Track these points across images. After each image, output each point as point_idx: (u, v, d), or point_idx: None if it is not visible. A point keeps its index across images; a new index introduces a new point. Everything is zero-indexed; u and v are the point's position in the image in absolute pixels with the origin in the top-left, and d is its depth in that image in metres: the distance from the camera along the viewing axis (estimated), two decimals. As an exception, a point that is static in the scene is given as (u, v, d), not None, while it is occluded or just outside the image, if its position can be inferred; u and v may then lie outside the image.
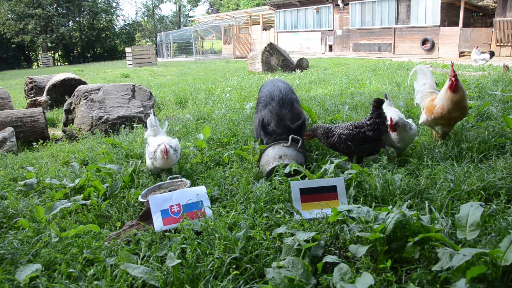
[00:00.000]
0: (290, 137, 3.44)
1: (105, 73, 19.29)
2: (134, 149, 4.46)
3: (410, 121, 3.51)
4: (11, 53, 40.95)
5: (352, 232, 2.25)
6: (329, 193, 2.69)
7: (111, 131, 6.06)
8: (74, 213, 2.99)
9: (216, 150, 4.24)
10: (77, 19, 43.78)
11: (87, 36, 43.39)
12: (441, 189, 2.68)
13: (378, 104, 3.54)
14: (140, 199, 3.01)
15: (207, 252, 2.16)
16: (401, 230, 2.16)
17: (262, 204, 2.71)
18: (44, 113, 6.41)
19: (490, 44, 16.59)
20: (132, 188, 3.30)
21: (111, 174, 3.55)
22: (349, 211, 2.27)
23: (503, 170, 2.87)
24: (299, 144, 3.43)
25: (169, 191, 3.06)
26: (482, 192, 2.64)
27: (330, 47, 23.82)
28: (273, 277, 1.90)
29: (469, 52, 12.28)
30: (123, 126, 6.04)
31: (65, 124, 6.63)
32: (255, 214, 2.61)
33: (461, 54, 17.53)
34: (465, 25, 17.92)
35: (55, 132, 7.09)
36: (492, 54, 12.16)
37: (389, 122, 3.35)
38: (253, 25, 30.41)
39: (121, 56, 43.14)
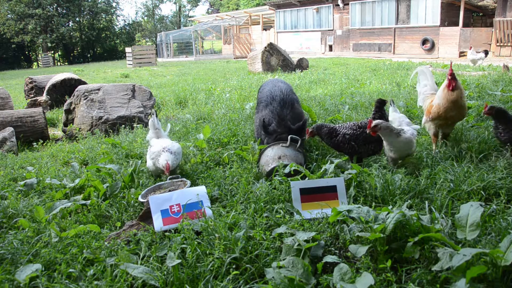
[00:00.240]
0: (289, 137, 3.44)
1: (105, 73, 19.29)
2: (134, 149, 4.46)
3: (409, 128, 3.27)
4: (11, 53, 40.95)
5: (352, 232, 2.25)
6: (329, 193, 2.69)
7: (111, 131, 6.07)
8: (74, 213, 2.99)
9: (216, 150, 4.24)
10: (77, 19, 43.77)
11: (87, 36, 43.39)
12: (441, 189, 2.68)
13: (380, 104, 3.54)
14: (140, 199, 3.01)
15: (207, 252, 2.16)
16: (401, 230, 2.16)
17: (262, 204, 2.71)
18: (44, 113, 6.41)
19: (490, 44, 16.59)
20: (132, 188, 3.30)
21: (111, 174, 3.55)
22: (349, 211, 2.27)
23: (503, 170, 2.87)
24: (298, 144, 3.42)
25: (169, 191, 3.06)
26: (482, 192, 2.64)
27: (330, 47, 23.82)
28: (273, 277, 1.90)
29: (478, 52, 12.26)
30: (123, 126, 6.04)
31: (65, 124, 6.63)
32: (255, 214, 2.61)
33: (461, 54, 17.52)
34: (465, 25, 17.92)
35: (55, 132, 7.09)
36: (486, 52, 12.25)
37: (368, 123, 3.14)
38: (253, 25, 30.41)
39: (121, 56, 43.14)
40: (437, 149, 3.57)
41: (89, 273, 2.06)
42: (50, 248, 2.34)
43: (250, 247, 2.19)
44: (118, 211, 2.97)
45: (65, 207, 2.99)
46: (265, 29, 29.28)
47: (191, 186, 3.18)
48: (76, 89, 6.81)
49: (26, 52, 44.24)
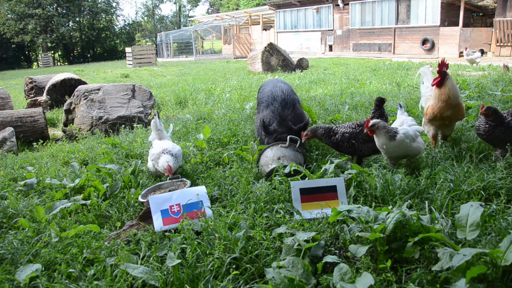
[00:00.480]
0: (288, 137, 3.43)
1: (105, 73, 19.29)
2: (134, 149, 4.46)
3: (405, 128, 3.18)
4: (11, 53, 40.94)
5: (352, 232, 2.25)
6: (329, 193, 2.69)
7: (111, 131, 6.07)
8: (74, 213, 2.99)
9: (216, 150, 4.24)
10: (77, 19, 43.77)
11: (87, 36, 43.38)
12: (441, 189, 2.68)
13: (380, 102, 3.54)
14: (140, 199, 3.01)
15: (207, 252, 2.16)
16: (401, 230, 2.16)
17: (262, 204, 2.71)
18: (44, 113, 6.41)
19: (490, 44, 16.60)
20: (132, 188, 3.30)
21: (111, 174, 3.55)
22: (349, 211, 2.27)
23: (503, 170, 2.87)
24: (298, 144, 3.42)
25: (169, 191, 3.06)
26: (482, 192, 2.64)
27: (330, 47, 23.82)
28: (273, 277, 1.90)
29: (474, 52, 12.32)
30: (123, 126, 6.04)
31: (65, 124, 6.63)
32: (255, 214, 2.61)
33: (461, 54, 17.49)
34: (465, 25, 17.92)
35: (55, 132, 7.09)
36: (482, 51, 12.37)
37: (365, 123, 3.12)
38: (253, 25, 30.41)
39: (121, 56, 43.13)
40: (437, 149, 3.56)
41: (89, 273, 2.06)
42: (50, 248, 2.34)
43: (250, 247, 2.19)
44: (118, 211, 2.97)
45: (65, 207, 2.99)
46: (265, 29, 29.28)
47: (191, 186, 3.18)
48: (76, 89, 6.81)
49: (26, 52, 44.24)
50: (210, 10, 59.27)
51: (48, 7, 40.22)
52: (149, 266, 2.11)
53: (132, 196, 3.13)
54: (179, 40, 32.52)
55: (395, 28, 20.13)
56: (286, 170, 3.04)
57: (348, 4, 22.19)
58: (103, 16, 45.68)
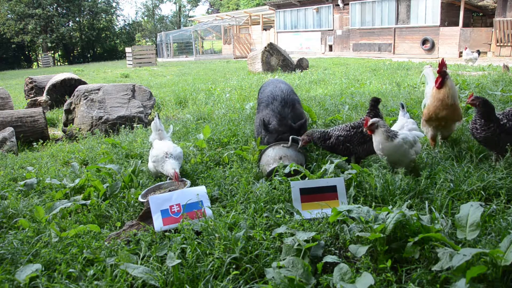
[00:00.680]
0: (290, 137, 3.43)
1: (105, 73, 19.29)
2: (134, 149, 4.46)
3: (410, 136, 3.06)
4: (11, 53, 40.94)
5: (352, 232, 2.25)
6: (329, 193, 2.69)
7: (111, 131, 6.07)
8: (74, 213, 2.99)
9: (216, 150, 4.24)
10: (77, 19, 43.75)
11: (87, 36, 43.37)
12: (441, 189, 2.68)
13: (375, 102, 3.53)
14: (140, 199, 3.01)
15: (207, 252, 2.16)
16: (401, 230, 2.16)
17: (262, 204, 2.71)
18: (44, 113, 6.41)
19: (490, 44, 16.60)
20: (132, 188, 3.31)
21: (111, 174, 3.55)
22: (349, 211, 2.27)
23: (503, 170, 2.87)
24: (300, 144, 3.42)
25: (169, 191, 3.06)
26: (482, 192, 2.64)
27: (330, 47, 23.82)
28: (273, 277, 1.90)
29: (473, 52, 12.41)
30: (123, 126, 6.04)
31: (65, 124, 6.63)
32: (255, 214, 2.61)
33: (461, 54, 17.51)
34: (465, 25, 17.92)
35: (55, 132, 7.10)
36: (478, 52, 12.53)
37: (365, 122, 3.03)
38: (253, 25, 30.41)
39: (121, 56, 43.13)
40: (436, 149, 3.55)
41: (89, 273, 2.06)
42: (50, 248, 2.34)
43: (250, 247, 2.19)
44: (118, 211, 2.97)
45: (65, 207, 2.99)
46: (265, 29, 29.28)
47: (191, 186, 3.18)
48: (76, 89, 6.81)
49: (26, 52, 44.23)
50: (210, 10, 59.28)
51: (48, 7, 40.21)
52: (149, 266, 2.11)
53: (132, 196, 3.13)
54: (179, 40, 32.51)
55: (395, 28, 20.13)
56: (286, 170, 3.04)
57: (348, 4, 22.19)
58: (103, 16, 45.66)
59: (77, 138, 6.03)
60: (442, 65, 3.37)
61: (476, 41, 16.79)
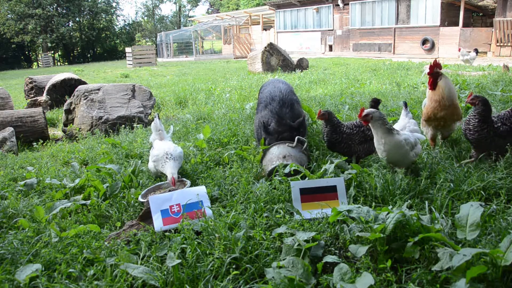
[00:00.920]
0: (296, 138, 3.43)
1: (105, 73, 19.29)
2: (134, 149, 4.46)
3: (411, 138, 3.01)
4: (11, 53, 40.94)
5: (352, 232, 2.25)
6: (329, 193, 2.69)
7: (111, 131, 6.07)
8: (74, 213, 2.99)
9: (216, 150, 4.24)
10: (77, 19, 43.75)
11: (87, 36, 43.37)
12: (441, 189, 2.68)
13: (375, 103, 3.53)
14: (140, 199, 3.01)
15: (207, 252, 2.16)
16: (401, 230, 2.16)
17: (262, 204, 2.71)
18: (44, 113, 6.42)
19: (490, 44, 16.60)
20: (132, 188, 3.31)
21: (111, 174, 3.55)
22: (349, 211, 2.27)
23: (503, 170, 2.87)
24: (305, 145, 3.42)
25: (169, 191, 3.06)
26: (482, 192, 2.64)
27: (330, 47, 23.82)
28: (273, 277, 1.90)
29: (469, 52, 12.44)
30: (123, 126, 6.04)
31: (65, 124, 6.63)
32: (255, 214, 2.61)
33: (462, 54, 17.51)
34: (465, 25, 17.92)
35: (55, 132, 7.10)
36: (476, 51, 12.56)
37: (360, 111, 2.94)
38: (253, 25, 30.41)
39: (121, 56, 43.13)
40: (436, 149, 3.55)
41: (89, 273, 2.06)
42: (50, 248, 2.34)
43: (250, 247, 2.19)
44: (118, 211, 2.97)
45: (65, 207, 2.99)
46: (265, 29, 29.28)
47: (191, 186, 3.18)
48: (76, 89, 6.81)
49: (26, 52, 44.23)
50: (210, 10, 59.28)
51: (48, 7, 40.20)
52: (149, 266, 2.11)
53: (132, 196, 3.13)
54: (179, 40, 32.50)
55: (395, 28, 20.13)
56: (286, 170, 3.04)
57: (348, 4, 22.19)
58: (103, 16, 45.65)
59: (77, 138, 6.03)
60: (434, 66, 3.35)
61: (476, 41, 16.79)
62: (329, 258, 2.05)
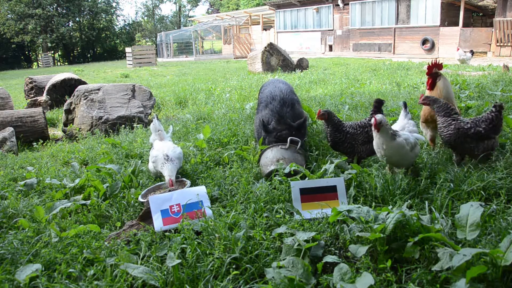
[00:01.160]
0: (288, 139, 3.41)
1: (105, 73, 19.29)
2: (134, 149, 4.46)
3: (411, 138, 3.01)
4: (11, 53, 40.93)
5: (352, 232, 2.25)
6: (329, 193, 2.69)
7: (111, 131, 6.07)
8: (74, 213, 2.99)
9: (216, 150, 4.24)
10: (77, 19, 43.73)
11: (87, 36, 43.36)
12: (441, 189, 2.68)
13: (378, 104, 3.53)
14: (140, 199, 3.01)
15: (207, 252, 2.16)
16: (401, 230, 2.16)
17: (262, 204, 2.71)
18: (44, 113, 6.41)
19: (490, 44, 16.60)
20: (132, 188, 3.31)
21: (111, 174, 3.55)
22: (349, 211, 2.27)
23: (503, 170, 2.87)
24: (298, 145, 3.41)
25: (169, 191, 3.06)
26: (482, 192, 2.64)
27: (330, 47, 23.82)
28: (273, 277, 1.90)
29: (465, 51, 12.50)
30: (123, 126, 6.04)
31: (65, 124, 6.63)
32: (255, 214, 2.61)
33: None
34: (465, 25, 17.92)
35: (55, 132, 7.10)
36: (472, 52, 12.79)
37: (372, 120, 2.93)
38: (253, 25, 30.40)
39: (121, 56, 43.12)
40: (437, 149, 3.55)
41: (89, 273, 2.06)
42: (50, 248, 2.34)
43: (250, 247, 2.19)
44: (118, 211, 2.97)
45: (65, 207, 2.99)
46: (265, 29, 29.27)
47: (191, 186, 3.18)
48: (76, 89, 6.81)
49: (26, 52, 44.22)
50: (210, 10, 59.28)
51: (48, 7, 40.19)
52: (149, 266, 2.11)
53: (132, 196, 3.13)
54: (179, 40, 32.50)
55: (395, 28, 20.13)
56: (286, 170, 3.04)
57: (348, 4, 22.19)
58: (103, 16, 45.64)
59: (77, 138, 6.03)
60: (433, 66, 3.35)
61: (476, 41, 16.79)
62: (329, 258, 2.05)
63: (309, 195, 2.69)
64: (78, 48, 45.76)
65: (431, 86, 3.37)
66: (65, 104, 6.70)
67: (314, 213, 2.53)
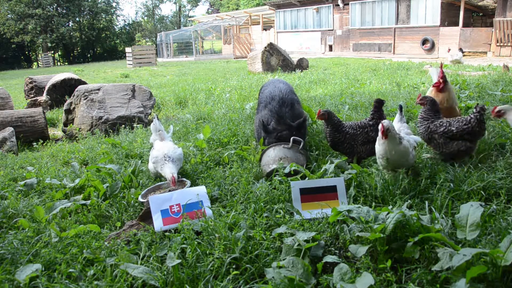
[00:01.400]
0: (291, 138, 3.42)
1: (105, 73, 19.29)
2: (134, 149, 4.46)
3: (411, 140, 3.00)
4: (11, 53, 40.93)
5: (352, 232, 2.25)
6: (329, 193, 2.69)
7: (111, 131, 6.07)
8: (74, 213, 2.99)
9: (216, 150, 4.24)
10: (77, 19, 43.74)
11: (87, 36, 43.36)
12: (441, 189, 2.68)
13: (379, 104, 3.53)
14: (140, 199, 3.01)
15: (207, 252, 2.16)
16: (401, 230, 2.16)
17: (262, 204, 2.71)
18: (44, 113, 6.41)
19: (490, 44, 16.60)
20: (132, 188, 3.31)
21: (111, 174, 3.55)
22: (349, 211, 2.27)
23: (503, 170, 2.87)
24: (301, 145, 3.42)
25: (169, 191, 3.06)
26: (482, 192, 2.64)
27: (330, 47, 23.82)
28: (273, 277, 1.90)
29: (469, 52, 12.50)
30: (123, 126, 6.04)
31: (65, 124, 6.63)
32: (255, 214, 2.61)
33: (464, 55, 17.49)
34: (465, 25, 17.91)
35: (55, 132, 7.09)
36: (461, 51, 12.98)
37: (380, 127, 2.82)
38: (253, 25, 30.40)
39: (121, 56, 43.12)
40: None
41: (89, 273, 2.07)
42: (50, 248, 2.34)
43: (250, 247, 2.19)
44: (118, 211, 2.97)
45: (65, 207, 2.99)
46: (265, 29, 29.27)
47: (191, 186, 3.18)
48: (76, 89, 6.81)
49: (26, 52, 44.22)
50: (210, 10, 59.27)
51: (48, 7, 40.19)
52: (149, 266, 2.11)
53: (132, 196, 3.13)
54: (179, 40, 32.50)
55: (395, 28, 20.13)
56: (286, 170, 3.04)
57: (348, 4, 22.19)
58: (103, 16, 45.64)
59: (77, 138, 6.03)
60: (442, 70, 3.45)
61: (476, 41, 16.79)
62: (329, 258, 2.05)
63: (309, 195, 2.69)
64: (78, 48, 45.76)
65: (443, 89, 3.41)
66: (65, 104, 6.70)
67: (314, 213, 2.53)
